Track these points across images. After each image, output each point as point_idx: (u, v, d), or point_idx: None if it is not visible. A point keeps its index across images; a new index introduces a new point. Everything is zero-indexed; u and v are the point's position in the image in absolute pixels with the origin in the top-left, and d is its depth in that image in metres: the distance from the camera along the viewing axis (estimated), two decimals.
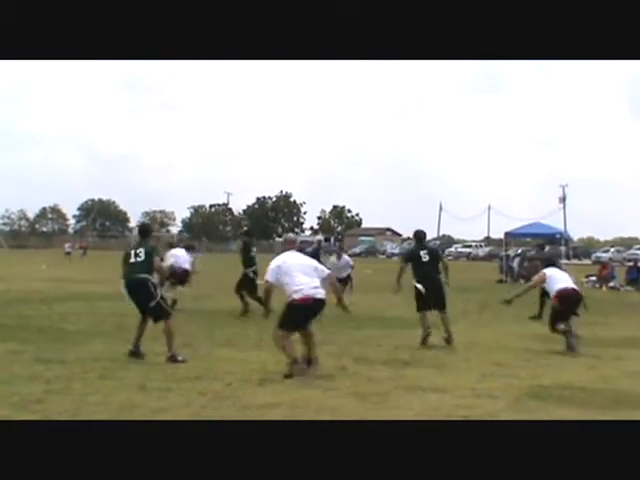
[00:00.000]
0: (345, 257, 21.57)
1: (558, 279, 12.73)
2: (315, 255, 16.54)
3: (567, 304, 12.45)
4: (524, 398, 8.41)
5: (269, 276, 9.95)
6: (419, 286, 12.74)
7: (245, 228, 68.31)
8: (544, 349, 12.29)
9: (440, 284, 13.02)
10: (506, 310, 15.83)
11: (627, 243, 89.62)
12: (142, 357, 10.60)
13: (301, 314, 9.75)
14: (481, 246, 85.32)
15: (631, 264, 36.56)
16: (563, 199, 65.28)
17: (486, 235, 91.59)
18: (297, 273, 9.77)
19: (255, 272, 17.27)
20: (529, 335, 14.09)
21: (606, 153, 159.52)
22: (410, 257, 13.42)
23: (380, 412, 7.57)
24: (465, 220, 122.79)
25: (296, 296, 9.66)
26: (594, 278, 31.78)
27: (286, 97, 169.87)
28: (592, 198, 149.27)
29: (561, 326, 12.33)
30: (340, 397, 8.32)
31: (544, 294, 16.09)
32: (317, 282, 9.86)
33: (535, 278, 13.43)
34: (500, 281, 34.90)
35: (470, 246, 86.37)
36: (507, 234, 39.56)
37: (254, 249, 18.36)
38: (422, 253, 13.08)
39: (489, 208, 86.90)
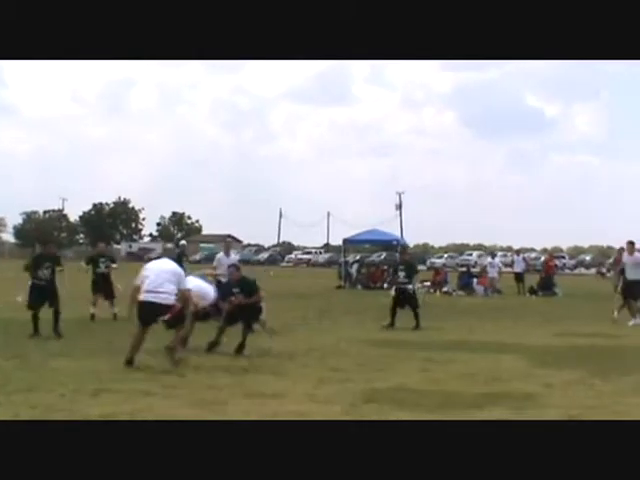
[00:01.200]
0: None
1: None
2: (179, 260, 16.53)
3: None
4: (359, 402, 8.62)
5: (137, 279, 11.16)
6: None
7: None
8: (379, 354, 12.63)
9: None
10: (345, 316, 16.21)
11: (459, 249, 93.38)
12: None
13: (141, 312, 10.94)
14: (321, 252, 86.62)
15: (463, 269, 38.26)
16: (399, 206, 67.34)
17: (326, 242, 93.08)
18: (151, 276, 10.99)
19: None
20: (366, 340, 14.41)
21: (439, 161, 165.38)
22: None
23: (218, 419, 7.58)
24: (305, 226, 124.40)
25: (141, 296, 10.87)
26: (428, 283, 32.88)
27: (120, 98, 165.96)
28: (427, 205, 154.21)
29: None
30: (179, 406, 8.26)
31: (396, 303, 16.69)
32: (166, 288, 10.91)
33: None
34: (339, 287, 35.63)
35: (310, 252, 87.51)
36: (346, 240, 40.31)
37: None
38: None
39: (328, 215, 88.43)
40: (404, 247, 20.73)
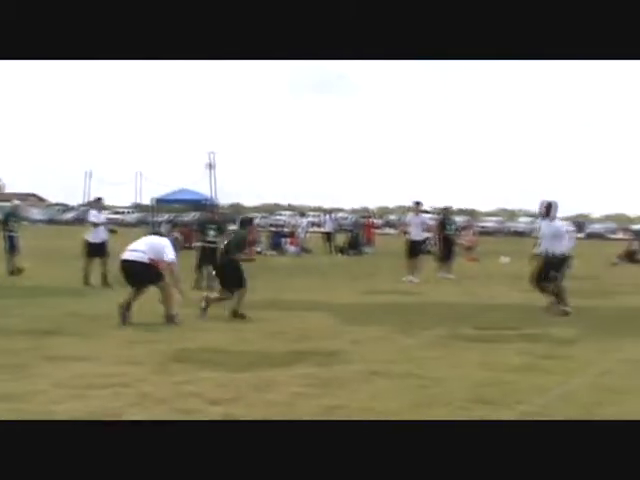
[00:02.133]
0: None
1: None
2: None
3: None
4: (168, 362, 8.56)
5: None
6: None
7: None
8: (189, 313, 12.48)
9: None
10: None
11: (271, 209, 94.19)
12: None
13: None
14: (131, 212, 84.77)
15: (274, 229, 38.75)
16: (211, 166, 66.87)
17: (136, 201, 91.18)
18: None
19: None
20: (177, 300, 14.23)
21: (252, 122, 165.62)
22: None
23: (17, 383, 7.31)
24: (115, 185, 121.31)
25: None
26: None
27: None
28: (239, 165, 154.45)
29: None
30: None
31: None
32: (141, 247, 11.83)
33: None
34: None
35: (120, 212, 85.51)
36: (156, 200, 39.76)
37: None
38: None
39: (138, 174, 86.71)
40: (213, 207, 20.64)
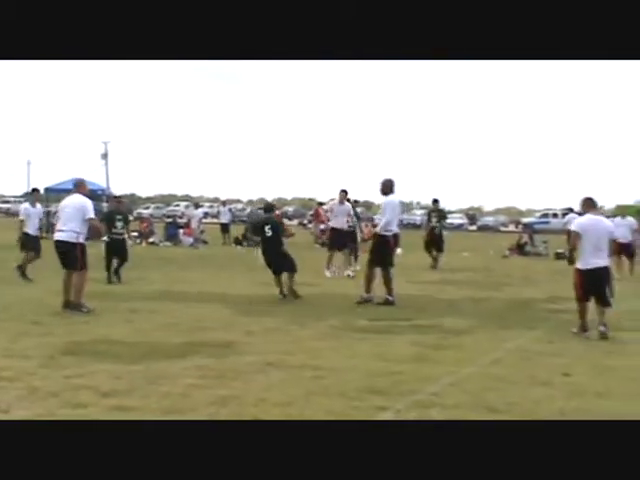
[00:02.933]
0: None
1: None
2: None
3: None
4: (58, 355, 8.37)
5: None
6: None
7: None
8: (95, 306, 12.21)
9: None
10: (50, 268, 15.53)
11: (167, 200, 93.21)
12: None
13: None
14: (22, 201, 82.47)
15: (170, 220, 38.31)
16: (105, 155, 65.66)
17: (26, 190, 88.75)
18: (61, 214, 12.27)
19: None
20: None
21: (155, 115, 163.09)
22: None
23: None
24: (4, 174, 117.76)
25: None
26: (136, 234, 32.48)
27: None
28: (134, 155, 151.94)
29: None
30: None
31: None
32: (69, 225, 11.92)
33: None
34: (41, 237, 34.33)
35: (9, 202, 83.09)
36: (48, 189, 39.05)
37: None
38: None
39: (28, 163, 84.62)
40: (119, 197, 20.20)
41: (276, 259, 14.45)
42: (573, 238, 11.11)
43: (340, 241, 19.56)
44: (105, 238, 16.64)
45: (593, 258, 10.80)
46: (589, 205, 11.26)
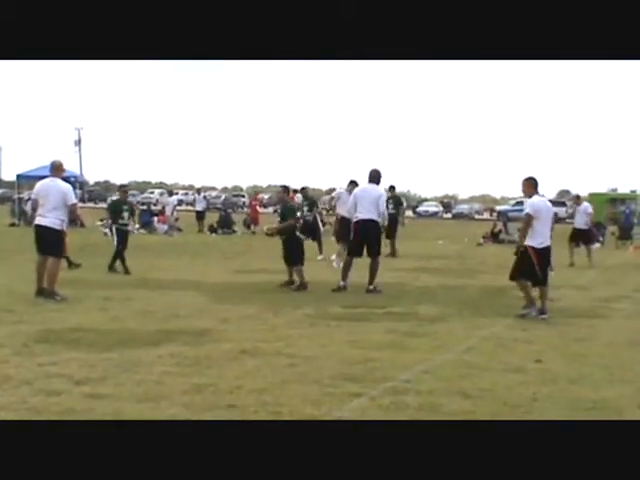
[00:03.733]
0: None
1: None
2: None
3: None
4: (31, 343, 8.31)
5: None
6: None
7: None
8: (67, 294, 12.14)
9: None
10: (20, 255, 15.45)
11: (141, 187, 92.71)
12: None
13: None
14: None
15: (144, 208, 38.17)
16: (79, 142, 65.27)
17: None
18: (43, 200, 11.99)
19: None
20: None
21: (128, 101, 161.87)
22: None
23: None
24: None
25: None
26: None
27: None
28: (108, 142, 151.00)
29: None
30: None
31: None
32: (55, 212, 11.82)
33: None
34: (13, 224, 34.33)
35: None
36: (20, 176, 38.78)
37: None
38: None
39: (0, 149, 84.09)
40: (125, 186, 19.93)
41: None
42: (526, 222, 11.16)
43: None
44: (106, 230, 16.60)
45: (545, 238, 11.10)
46: (534, 186, 11.41)
